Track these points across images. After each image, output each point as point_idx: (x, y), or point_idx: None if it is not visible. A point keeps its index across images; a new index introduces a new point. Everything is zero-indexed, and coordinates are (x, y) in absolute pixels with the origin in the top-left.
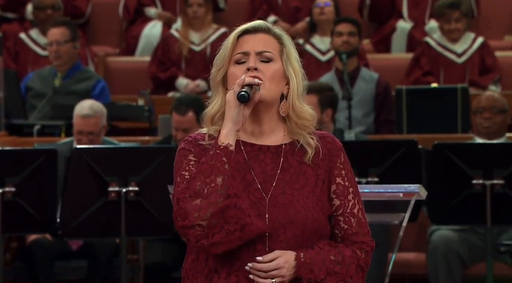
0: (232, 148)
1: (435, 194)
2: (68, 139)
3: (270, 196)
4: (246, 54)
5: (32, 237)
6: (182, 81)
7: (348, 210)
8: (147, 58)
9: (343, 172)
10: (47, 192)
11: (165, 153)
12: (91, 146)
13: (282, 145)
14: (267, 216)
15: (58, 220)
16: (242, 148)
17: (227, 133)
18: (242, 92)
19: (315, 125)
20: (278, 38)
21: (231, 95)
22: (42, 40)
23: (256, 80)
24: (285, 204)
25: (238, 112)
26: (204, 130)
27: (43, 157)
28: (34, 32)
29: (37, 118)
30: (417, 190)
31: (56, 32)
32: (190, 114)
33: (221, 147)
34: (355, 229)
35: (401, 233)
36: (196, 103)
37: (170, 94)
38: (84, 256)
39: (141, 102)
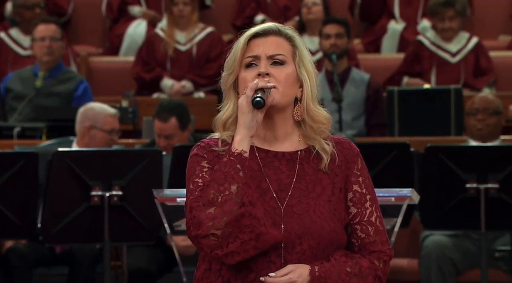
0: (247, 155)
1: (427, 198)
2: (51, 141)
3: (285, 206)
4: (256, 57)
5: (8, 244)
6: (167, 82)
7: (366, 218)
8: (131, 58)
9: (360, 179)
10: (27, 197)
11: (149, 156)
12: (73, 149)
13: (297, 151)
14: (282, 226)
15: (39, 225)
16: (257, 154)
17: (240, 139)
18: (258, 98)
19: (330, 129)
20: (290, 40)
21: (243, 100)
22: (23, 39)
23: (269, 84)
24: (301, 214)
25: (252, 118)
26: (216, 135)
27: (23, 160)
28: (14, 31)
29: (17, 121)
30: (409, 194)
31: (50, 28)
32: (173, 120)
33: (235, 154)
34: (372, 237)
35: (393, 239)
36: (178, 109)
37: (155, 95)
38: (65, 263)
39: (125, 103)
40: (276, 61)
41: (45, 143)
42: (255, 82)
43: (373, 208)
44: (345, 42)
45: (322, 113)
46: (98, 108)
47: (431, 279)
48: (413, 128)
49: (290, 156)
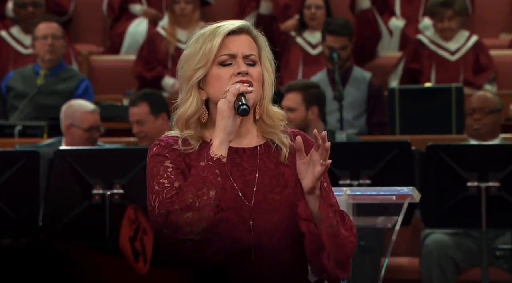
0: (225, 160)
1: (428, 196)
2: (52, 140)
3: (253, 203)
4: (233, 56)
5: (7, 242)
6: (168, 80)
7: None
8: (132, 57)
9: None
10: (29, 195)
11: None
12: (74, 148)
13: (257, 146)
14: (251, 222)
15: (40, 224)
16: None
17: (220, 144)
18: (244, 106)
19: (286, 124)
20: (256, 40)
21: (224, 105)
22: (24, 38)
23: (249, 89)
24: (269, 210)
25: (233, 124)
26: (172, 133)
27: (24, 159)
28: (15, 30)
29: (19, 119)
30: (411, 193)
31: (52, 27)
32: (143, 105)
33: (214, 159)
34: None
35: (394, 237)
36: (151, 96)
37: None
38: None
39: (126, 102)
40: (250, 62)
41: (39, 143)
42: (236, 87)
43: (331, 194)
44: (349, 52)
45: (279, 112)
46: (76, 106)
47: (432, 277)
48: (414, 127)
49: (250, 151)
